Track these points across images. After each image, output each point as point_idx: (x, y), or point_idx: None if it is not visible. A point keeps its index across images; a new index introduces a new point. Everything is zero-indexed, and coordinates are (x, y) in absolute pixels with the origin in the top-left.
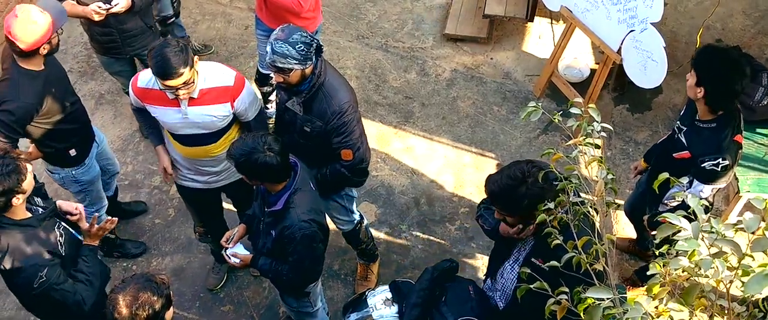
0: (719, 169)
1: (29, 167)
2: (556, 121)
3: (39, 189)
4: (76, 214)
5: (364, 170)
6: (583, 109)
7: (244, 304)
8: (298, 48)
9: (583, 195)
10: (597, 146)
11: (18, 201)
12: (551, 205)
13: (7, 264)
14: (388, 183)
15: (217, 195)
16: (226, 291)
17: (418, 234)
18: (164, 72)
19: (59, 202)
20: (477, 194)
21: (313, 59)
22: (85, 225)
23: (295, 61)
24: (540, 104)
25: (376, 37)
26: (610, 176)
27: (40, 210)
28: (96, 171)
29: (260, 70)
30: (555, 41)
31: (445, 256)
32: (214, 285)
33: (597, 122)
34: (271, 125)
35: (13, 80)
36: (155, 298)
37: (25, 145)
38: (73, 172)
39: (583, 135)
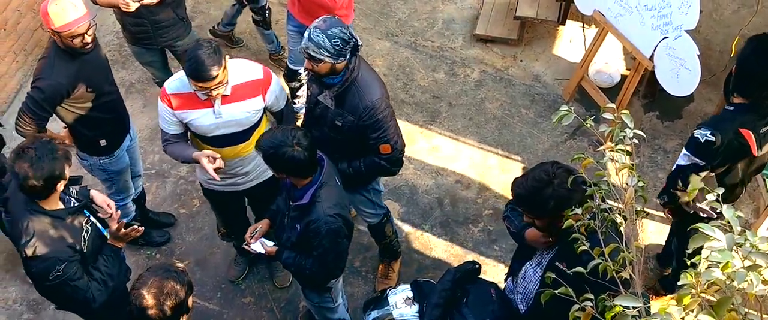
0: (703, 142)
1: (71, 153)
2: (588, 126)
3: (76, 180)
4: (108, 213)
5: (402, 160)
6: (616, 114)
7: (265, 297)
8: (334, 42)
9: (610, 202)
10: (628, 153)
11: (61, 187)
12: (578, 210)
13: (29, 251)
14: (412, 183)
15: (242, 197)
16: (248, 282)
17: (441, 234)
18: (199, 74)
19: (93, 193)
20: (502, 197)
21: (347, 56)
22: (114, 226)
23: (327, 54)
24: (572, 108)
25: (406, 36)
26: (640, 184)
27: (74, 201)
28: (125, 163)
29: (290, 65)
30: (586, 45)
31: (467, 258)
32: (236, 276)
33: (629, 128)
34: (298, 121)
35: (49, 59)
36: (179, 287)
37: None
38: (101, 161)
39: (616, 141)
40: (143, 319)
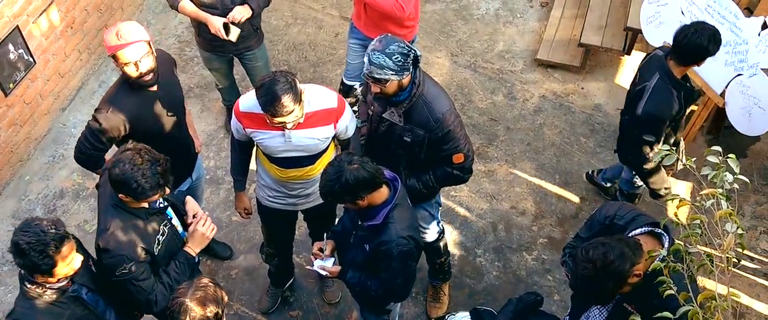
0: None
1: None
2: (689, 166)
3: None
4: (194, 221)
5: (472, 167)
6: (721, 158)
7: (313, 311)
8: (395, 59)
9: (700, 247)
10: (729, 198)
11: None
12: (663, 252)
13: (102, 243)
14: (466, 205)
15: (295, 219)
16: (297, 295)
17: (494, 260)
18: (273, 109)
19: (188, 199)
20: (558, 226)
21: (411, 69)
22: (198, 232)
23: (391, 72)
24: (674, 149)
25: (466, 56)
26: (740, 231)
27: (158, 203)
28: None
29: (345, 80)
30: None
31: (520, 286)
32: (266, 308)
33: (734, 174)
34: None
35: (115, 87)
36: (215, 306)
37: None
38: None
39: (719, 185)
40: None
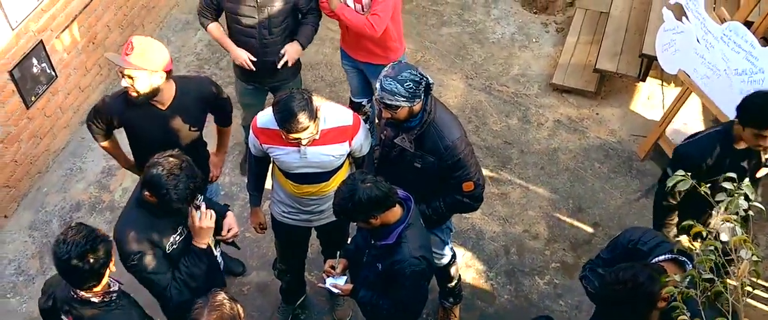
0: None
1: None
2: (703, 192)
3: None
4: (227, 235)
5: (483, 195)
6: (734, 185)
7: None
8: (407, 86)
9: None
10: (744, 224)
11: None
12: (677, 277)
13: (115, 233)
14: (478, 228)
15: (308, 235)
16: (307, 313)
17: (505, 283)
18: (289, 125)
19: (229, 215)
20: (571, 250)
21: (422, 96)
22: (229, 234)
23: (403, 99)
24: (687, 175)
25: (480, 79)
26: (755, 258)
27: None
28: None
29: (353, 99)
30: (664, 104)
31: (532, 310)
32: None
33: (751, 201)
34: None
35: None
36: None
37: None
38: None
39: (733, 212)
40: None
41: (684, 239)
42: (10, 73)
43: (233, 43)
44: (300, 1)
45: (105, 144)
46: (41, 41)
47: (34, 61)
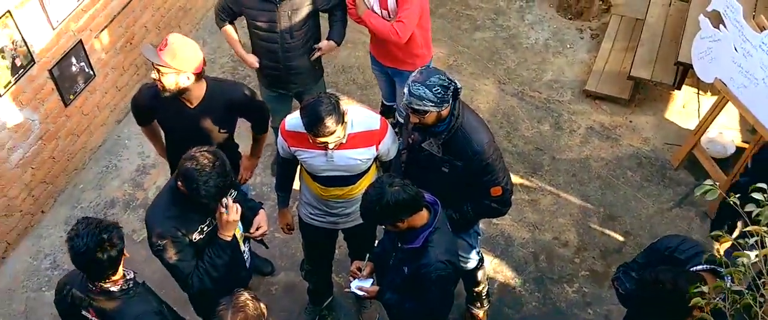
0: None
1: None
2: (732, 202)
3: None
4: (256, 233)
5: (510, 200)
6: (765, 195)
7: None
8: (435, 91)
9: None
10: None
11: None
12: (705, 288)
13: (148, 217)
14: (508, 234)
15: (335, 237)
16: (335, 314)
17: (533, 290)
18: (317, 130)
19: (261, 212)
20: (601, 259)
21: (450, 101)
22: (257, 232)
23: (431, 104)
24: (716, 184)
25: (513, 84)
26: None
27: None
28: None
29: (384, 102)
30: (700, 112)
31: (560, 318)
32: None
33: None
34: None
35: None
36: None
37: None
38: None
39: (764, 223)
40: None
41: (716, 248)
42: (50, 71)
43: (241, 48)
44: (318, 1)
45: (144, 129)
46: (80, 41)
47: (74, 60)
